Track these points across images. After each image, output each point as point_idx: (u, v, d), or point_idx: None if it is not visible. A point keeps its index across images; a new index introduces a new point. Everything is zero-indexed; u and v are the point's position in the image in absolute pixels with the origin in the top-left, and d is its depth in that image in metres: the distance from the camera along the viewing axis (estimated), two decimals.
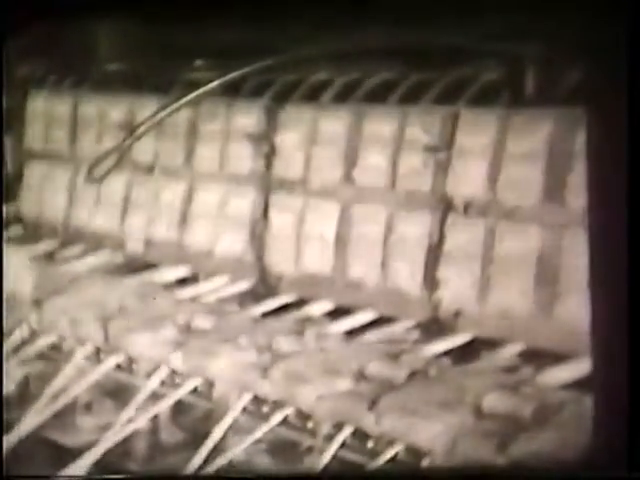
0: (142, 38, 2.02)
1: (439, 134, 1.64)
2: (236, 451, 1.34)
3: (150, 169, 2.08)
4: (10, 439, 1.42)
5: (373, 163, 1.72)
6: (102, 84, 2.23)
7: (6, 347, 1.55)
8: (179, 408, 1.53)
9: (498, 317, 1.55)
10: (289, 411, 1.37)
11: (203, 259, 1.97)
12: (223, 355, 1.49)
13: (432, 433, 1.23)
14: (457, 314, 1.61)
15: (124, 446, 1.45)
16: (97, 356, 1.62)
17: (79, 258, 2.13)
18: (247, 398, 1.41)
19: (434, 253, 1.63)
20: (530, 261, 1.51)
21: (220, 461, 1.32)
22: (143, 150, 2.04)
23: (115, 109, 2.15)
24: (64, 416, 1.56)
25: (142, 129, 1.76)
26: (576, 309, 1.41)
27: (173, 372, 1.52)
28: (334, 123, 1.78)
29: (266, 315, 1.74)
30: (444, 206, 1.64)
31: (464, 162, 1.61)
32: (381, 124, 1.72)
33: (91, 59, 2.25)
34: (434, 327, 1.63)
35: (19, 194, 2.38)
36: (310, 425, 1.35)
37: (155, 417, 1.50)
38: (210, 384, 1.47)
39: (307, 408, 1.35)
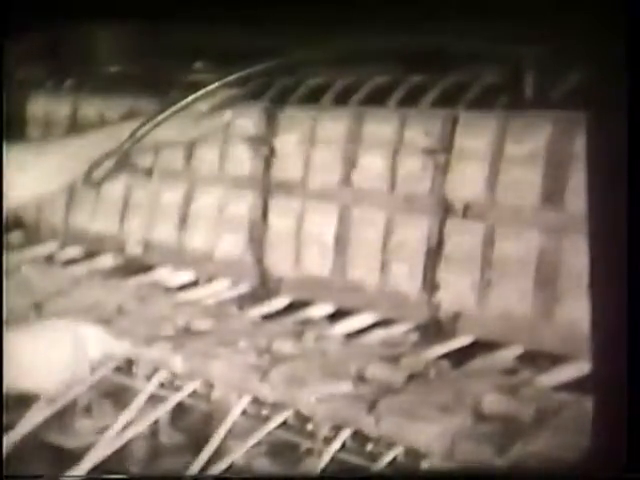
0: (141, 40, 2.02)
1: (438, 137, 1.65)
2: (235, 453, 1.34)
3: (149, 171, 2.08)
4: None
5: (372, 166, 1.72)
6: (102, 86, 2.23)
7: None
8: (178, 410, 1.53)
9: (498, 319, 1.56)
10: (288, 413, 1.37)
11: (202, 261, 1.97)
12: (222, 357, 1.49)
13: (431, 435, 1.23)
14: (457, 316, 1.61)
15: (122, 448, 1.45)
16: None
17: (79, 260, 2.14)
18: (246, 400, 1.41)
19: (433, 256, 1.63)
20: (530, 263, 1.52)
21: (219, 463, 1.32)
22: (142, 152, 2.03)
23: (114, 111, 2.15)
24: (63, 418, 1.56)
25: (141, 131, 1.76)
26: (576, 311, 1.41)
27: (172, 374, 1.52)
28: (333, 125, 1.78)
29: (266, 317, 1.75)
30: (443, 209, 1.64)
31: (463, 165, 1.61)
32: (380, 127, 1.72)
33: (91, 61, 2.25)
34: (433, 329, 1.63)
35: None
36: (309, 427, 1.35)
37: (155, 419, 1.50)
38: (209, 386, 1.47)
39: (306, 410, 1.35)
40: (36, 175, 1.80)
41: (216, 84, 1.74)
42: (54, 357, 1.45)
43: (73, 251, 2.18)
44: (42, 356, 1.44)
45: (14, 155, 1.73)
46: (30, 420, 1.46)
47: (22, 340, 1.42)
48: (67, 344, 1.46)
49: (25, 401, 1.46)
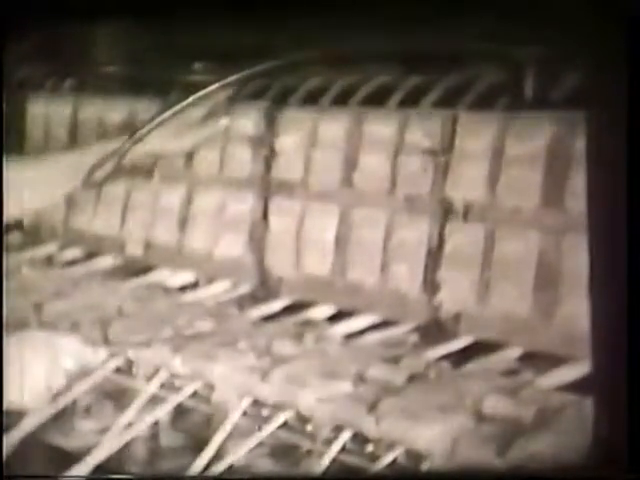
0: (141, 41, 2.03)
1: (439, 137, 1.64)
2: (236, 454, 1.34)
3: (150, 172, 2.08)
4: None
5: (373, 166, 1.72)
6: (102, 87, 2.23)
7: None
8: (178, 411, 1.53)
9: (498, 320, 1.56)
10: (289, 414, 1.37)
11: (203, 262, 1.97)
12: (223, 359, 1.49)
13: (432, 436, 1.23)
14: (457, 317, 1.61)
15: (122, 449, 1.44)
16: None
17: (79, 262, 2.14)
18: (247, 401, 1.41)
19: (434, 256, 1.63)
20: (530, 264, 1.52)
21: (220, 464, 1.32)
22: (142, 153, 2.03)
23: (114, 112, 2.15)
24: (63, 419, 1.56)
25: (141, 132, 1.76)
26: (576, 312, 1.41)
27: (172, 375, 1.51)
28: (334, 126, 1.78)
29: (266, 318, 1.75)
30: (444, 209, 1.64)
31: (464, 165, 1.61)
32: (380, 127, 1.72)
33: (90, 62, 2.25)
34: (434, 330, 1.63)
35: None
36: (310, 428, 1.35)
37: (155, 421, 1.50)
38: (210, 387, 1.47)
39: (307, 411, 1.35)
40: (34, 189, 1.80)
41: (216, 85, 1.74)
42: (29, 372, 1.45)
43: (73, 252, 2.18)
44: (17, 371, 1.44)
45: (13, 170, 1.72)
46: (30, 420, 1.46)
47: None
48: (42, 357, 1.46)
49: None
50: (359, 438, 1.29)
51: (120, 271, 2.07)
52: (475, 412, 1.27)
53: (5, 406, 1.42)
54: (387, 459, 1.25)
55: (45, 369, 1.46)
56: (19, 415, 1.47)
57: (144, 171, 2.06)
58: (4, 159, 1.72)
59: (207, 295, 1.89)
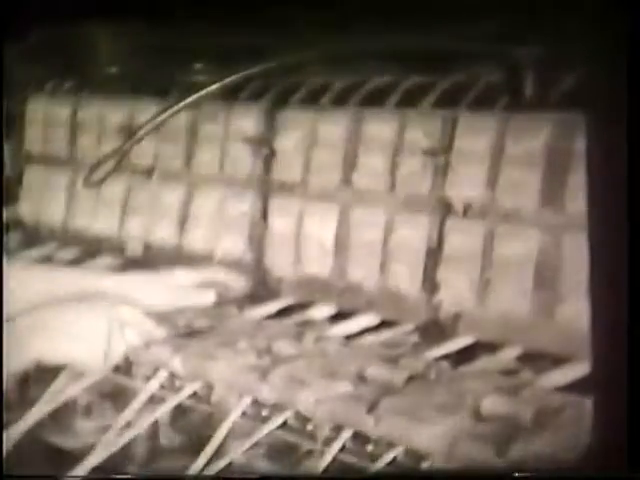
0: (141, 41, 2.03)
1: (438, 137, 1.65)
2: (235, 454, 1.34)
3: (149, 172, 2.08)
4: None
5: (372, 166, 1.72)
6: (102, 87, 2.23)
7: None
8: (178, 411, 1.53)
9: (498, 320, 1.56)
10: (288, 414, 1.37)
11: (202, 262, 1.97)
12: (222, 358, 1.49)
13: (431, 436, 1.23)
14: (457, 317, 1.61)
15: (122, 449, 1.45)
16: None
17: (78, 262, 2.14)
18: (246, 401, 1.41)
19: (433, 256, 1.63)
20: (529, 264, 1.52)
21: (219, 464, 1.32)
22: (142, 153, 2.04)
23: (114, 112, 2.15)
24: (63, 418, 1.56)
25: (141, 132, 1.76)
26: (576, 312, 1.41)
27: (172, 375, 1.52)
28: (333, 126, 1.79)
29: (266, 318, 1.75)
30: (443, 209, 1.64)
31: (463, 165, 1.61)
32: (380, 127, 1.72)
33: (91, 62, 2.25)
34: (433, 330, 1.63)
35: (18, 197, 2.38)
36: (309, 428, 1.35)
37: (154, 421, 1.50)
38: (209, 387, 1.47)
39: (306, 411, 1.35)
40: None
41: (216, 85, 1.74)
42: (89, 332, 1.50)
43: (72, 252, 2.18)
44: (77, 329, 1.50)
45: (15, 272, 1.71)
46: (30, 419, 1.46)
47: (60, 313, 1.50)
48: (104, 321, 1.51)
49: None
50: (359, 438, 1.29)
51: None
52: (474, 412, 1.27)
53: (46, 359, 1.48)
54: (387, 458, 1.25)
55: (106, 333, 1.50)
56: (54, 370, 1.51)
57: (143, 171, 2.06)
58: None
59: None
